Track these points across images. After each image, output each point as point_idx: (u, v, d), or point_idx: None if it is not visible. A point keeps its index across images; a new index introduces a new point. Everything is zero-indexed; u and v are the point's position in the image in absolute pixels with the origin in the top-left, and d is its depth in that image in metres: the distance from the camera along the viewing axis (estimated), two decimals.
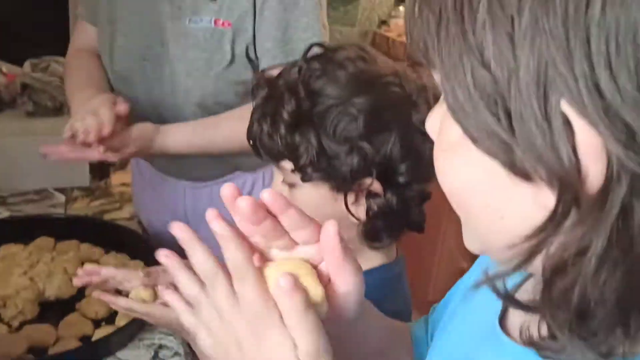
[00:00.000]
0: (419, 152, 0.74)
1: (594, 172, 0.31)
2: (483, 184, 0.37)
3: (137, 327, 1.01)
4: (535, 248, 0.34)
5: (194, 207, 1.34)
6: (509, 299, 0.38)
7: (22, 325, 0.99)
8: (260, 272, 0.45)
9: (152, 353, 0.97)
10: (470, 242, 0.42)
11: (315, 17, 1.12)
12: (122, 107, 1.07)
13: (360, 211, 0.77)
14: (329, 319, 0.47)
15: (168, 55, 1.16)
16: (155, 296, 0.93)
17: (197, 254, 0.46)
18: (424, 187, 0.79)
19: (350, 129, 0.73)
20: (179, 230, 0.46)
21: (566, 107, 0.30)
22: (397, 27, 3.11)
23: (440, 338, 0.58)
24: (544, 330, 0.37)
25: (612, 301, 0.32)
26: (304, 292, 0.43)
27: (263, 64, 1.14)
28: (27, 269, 1.08)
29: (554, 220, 0.33)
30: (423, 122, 0.73)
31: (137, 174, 1.45)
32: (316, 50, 0.79)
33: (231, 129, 1.14)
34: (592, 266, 0.32)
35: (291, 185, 0.78)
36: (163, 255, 0.47)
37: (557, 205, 0.32)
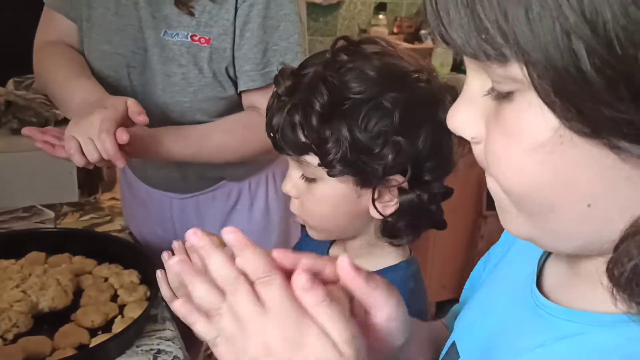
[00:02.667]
0: (444, 150, 0.74)
1: None
2: (582, 176, 0.34)
3: (135, 333, 1.00)
4: None
5: (182, 217, 1.34)
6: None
7: (16, 338, 0.97)
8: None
9: (151, 358, 0.96)
10: (524, 231, 0.40)
11: (294, 40, 1.11)
12: (142, 119, 1.00)
13: (383, 208, 0.75)
14: (377, 349, 0.46)
15: (151, 64, 1.15)
16: None
17: (215, 259, 0.44)
18: (444, 185, 0.78)
19: (384, 123, 0.71)
20: (194, 237, 0.45)
21: None
22: (377, 34, 3.13)
23: (468, 309, 0.57)
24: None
25: None
26: (321, 284, 0.43)
27: (241, 86, 1.13)
28: (19, 282, 1.07)
29: None
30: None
31: (125, 187, 1.44)
32: (340, 43, 0.77)
33: (220, 140, 1.13)
34: None
35: (311, 180, 0.76)
36: (175, 262, 0.45)
37: None
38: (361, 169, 0.72)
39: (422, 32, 3.15)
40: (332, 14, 3.19)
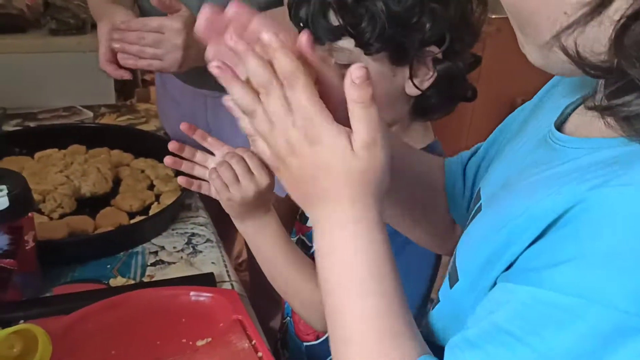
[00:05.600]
0: (470, 17, 0.75)
1: None
2: None
3: (170, 217, 1.06)
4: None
5: (215, 115, 1.36)
6: (580, 58, 0.39)
7: (61, 217, 1.04)
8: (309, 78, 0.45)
9: (186, 239, 1.02)
10: (533, 56, 0.43)
11: None
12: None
13: (421, 82, 0.76)
14: None
15: None
16: None
17: (252, 62, 0.45)
18: (472, 53, 0.79)
19: None
20: (231, 42, 0.46)
21: None
22: None
23: (495, 162, 0.60)
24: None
25: None
26: (372, 85, 0.44)
27: None
28: (62, 169, 1.13)
29: None
30: None
31: (160, 87, 1.47)
32: None
33: None
34: None
35: (345, 67, 0.77)
36: (215, 66, 0.46)
37: None
38: (399, 44, 0.73)
39: None
40: None
